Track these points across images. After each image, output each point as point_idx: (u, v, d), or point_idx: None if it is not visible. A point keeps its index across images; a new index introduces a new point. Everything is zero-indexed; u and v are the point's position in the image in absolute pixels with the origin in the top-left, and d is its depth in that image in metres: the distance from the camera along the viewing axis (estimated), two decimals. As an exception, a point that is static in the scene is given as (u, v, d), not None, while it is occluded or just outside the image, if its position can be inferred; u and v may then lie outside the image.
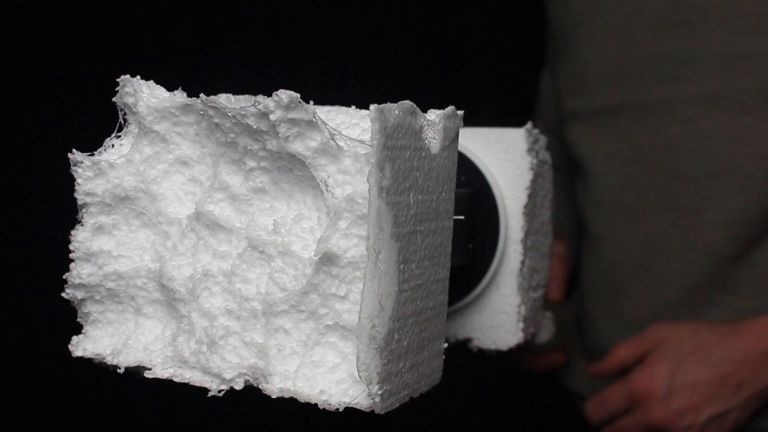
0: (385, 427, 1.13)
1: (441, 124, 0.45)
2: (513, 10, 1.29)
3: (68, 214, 0.48)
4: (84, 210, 0.47)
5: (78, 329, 0.48)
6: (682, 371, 0.70)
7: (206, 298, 0.46)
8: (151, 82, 0.47)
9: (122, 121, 0.48)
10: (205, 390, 0.45)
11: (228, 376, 0.44)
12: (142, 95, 0.46)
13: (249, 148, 0.44)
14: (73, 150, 0.47)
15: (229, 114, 0.43)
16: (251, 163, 0.45)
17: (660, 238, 0.81)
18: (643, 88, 0.83)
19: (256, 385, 0.44)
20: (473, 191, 0.60)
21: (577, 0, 0.90)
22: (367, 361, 0.40)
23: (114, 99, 0.47)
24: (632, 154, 0.84)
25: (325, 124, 0.42)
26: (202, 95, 0.44)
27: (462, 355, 0.61)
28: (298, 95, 0.41)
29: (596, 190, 0.88)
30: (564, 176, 0.98)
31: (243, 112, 0.42)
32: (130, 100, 0.46)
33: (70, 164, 0.47)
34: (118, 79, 0.47)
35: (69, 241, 0.47)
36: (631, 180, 0.84)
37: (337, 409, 0.42)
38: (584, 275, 0.92)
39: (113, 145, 0.48)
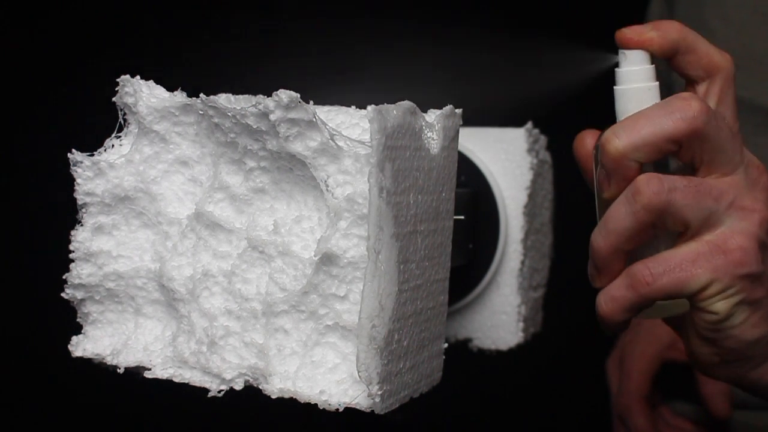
0: (385, 427, 1.13)
1: (440, 124, 0.45)
2: (513, 9, 1.29)
3: (68, 214, 0.48)
4: (84, 210, 0.47)
5: (78, 329, 0.48)
6: None
7: (206, 298, 0.46)
8: (151, 82, 0.47)
9: (122, 121, 0.48)
10: (205, 390, 0.45)
11: (228, 377, 0.44)
12: (142, 95, 0.46)
13: (249, 148, 0.44)
14: (73, 150, 0.47)
15: (229, 114, 0.43)
16: (251, 163, 0.45)
17: None
18: None
19: (256, 386, 0.44)
20: (473, 191, 0.60)
21: None
22: (367, 361, 0.40)
23: (114, 99, 0.47)
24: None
25: (325, 124, 0.42)
26: (202, 95, 0.44)
27: (462, 355, 0.61)
28: (298, 95, 0.41)
29: None
30: None
31: (243, 112, 0.42)
32: (130, 100, 0.46)
33: (70, 164, 0.47)
34: (118, 79, 0.47)
35: (69, 241, 0.47)
36: None
37: (337, 409, 0.42)
38: None
39: (113, 145, 0.48)
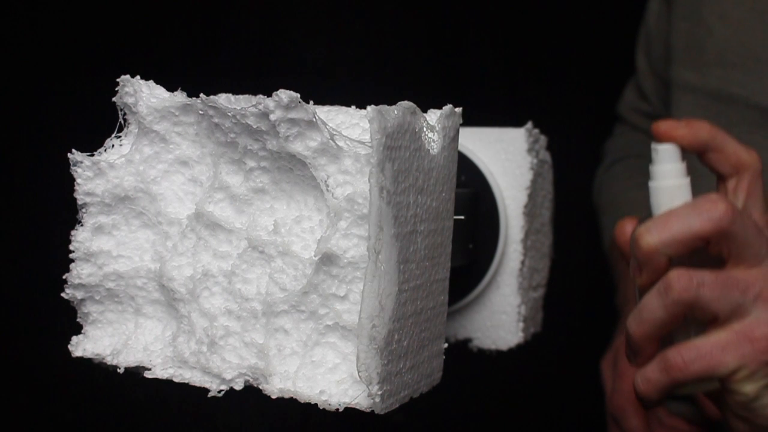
0: (385, 427, 1.13)
1: (440, 124, 0.45)
2: (513, 9, 1.29)
3: (68, 214, 0.48)
4: (84, 210, 0.47)
5: (78, 329, 0.48)
6: None
7: (206, 298, 0.46)
8: (151, 82, 0.47)
9: (122, 121, 0.48)
10: (205, 390, 0.45)
11: (228, 377, 0.44)
12: (142, 95, 0.46)
13: (249, 148, 0.44)
14: (73, 150, 0.47)
15: (229, 114, 0.43)
16: (251, 163, 0.45)
17: None
18: None
19: (256, 386, 0.44)
20: (473, 191, 0.60)
21: None
22: (367, 361, 0.40)
23: (114, 99, 0.47)
24: None
25: (325, 124, 0.42)
26: (202, 95, 0.44)
27: (462, 355, 0.61)
28: (298, 95, 0.41)
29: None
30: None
31: (243, 112, 0.42)
32: (130, 100, 0.46)
33: (70, 164, 0.47)
34: (118, 79, 0.47)
35: (69, 241, 0.47)
36: None
37: (337, 409, 0.42)
38: None
39: (113, 145, 0.48)
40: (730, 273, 0.47)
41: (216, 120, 0.44)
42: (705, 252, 0.48)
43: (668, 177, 0.50)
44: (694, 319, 0.49)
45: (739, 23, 0.75)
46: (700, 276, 0.46)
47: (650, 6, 0.92)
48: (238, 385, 0.44)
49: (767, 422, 0.48)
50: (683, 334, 0.50)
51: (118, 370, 0.48)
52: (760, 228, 0.48)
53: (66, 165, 0.47)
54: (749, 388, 0.47)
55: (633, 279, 0.50)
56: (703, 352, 0.47)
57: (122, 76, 0.46)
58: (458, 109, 0.47)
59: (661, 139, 0.50)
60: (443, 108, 0.46)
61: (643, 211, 0.51)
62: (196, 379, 0.46)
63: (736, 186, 0.52)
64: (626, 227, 0.54)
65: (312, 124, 0.41)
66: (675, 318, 0.47)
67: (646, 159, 0.50)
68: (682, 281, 0.46)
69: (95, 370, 0.50)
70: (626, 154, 0.97)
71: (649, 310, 0.48)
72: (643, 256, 0.47)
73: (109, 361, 0.47)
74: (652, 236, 0.47)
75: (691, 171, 0.50)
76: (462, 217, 0.57)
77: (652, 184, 0.50)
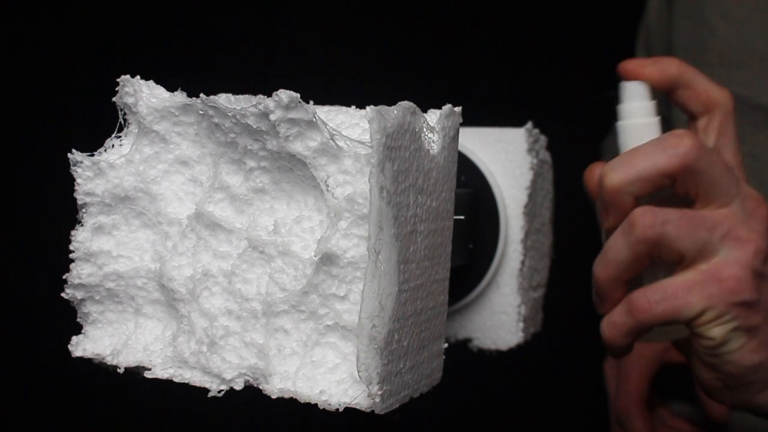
0: (385, 427, 1.13)
1: (440, 124, 0.45)
2: (513, 9, 1.29)
3: (68, 214, 0.48)
4: (84, 210, 0.47)
5: (78, 329, 0.48)
6: None
7: (206, 298, 0.46)
8: (151, 82, 0.47)
9: (122, 121, 0.48)
10: (205, 390, 0.45)
11: (228, 377, 0.44)
12: (142, 95, 0.46)
13: (249, 148, 0.44)
14: (73, 150, 0.47)
15: (229, 114, 0.43)
16: (251, 163, 0.45)
17: None
18: None
19: (256, 386, 0.44)
20: (473, 191, 0.60)
21: None
22: (367, 361, 0.40)
23: (114, 99, 0.47)
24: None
25: (325, 124, 0.42)
26: (202, 95, 0.44)
27: (462, 355, 0.61)
28: (298, 95, 0.41)
29: None
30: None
31: (243, 112, 0.42)
32: (130, 100, 0.46)
33: (70, 164, 0.47)
34: (118, 79, 0.47)
35: (69, 241, 0.47)
36: None
37: (337, 409, 0.42)
38: None
39: (113, 145, 0.48)
40: (698, 211, 0.45)
41: (216, 120, 0.44)
42: (674, 195, 0.47)
43: (636, 115, 0.48)
44: (662, 262, 0.47)
45: (741, 23, 0.74)
46: (665, 213, 0.44)
47: (650, 3, 0.92)
48: (238, 385, 0.44)
49: (734, 369, 0.46)
50: (651, 278, 0.48)
51: (118, 370, 0.48)
52: (730, 167, 0.46)
53: (66, 165, 0.47)
54: (716, 331, 0.45)
55: (600, 222, 0.49)
56: (669, 293, 0.45)
57: (122, 76, 0.46)
58: (458, 109, 0.47)
59: (628, 78, 0.49)
60: (443, 108, 0.46)
61: None
62: (196, 379, 0.46)
63: (707, 125, 0.50)
64: (595, 171, 0.52)
65: (312, 124, 0.41)
66: (640, 257, 0.45)
67: None
68: (647, 218, 0.44)
69: (95, 370, 0.50)
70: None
71: (613, 250, 0.46)
72: (609, 195, 0.46)
73: (109, 361, 0.47)
74: (617, 174, 0.45)
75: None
76: (462, 217, 0.57)
77: (619, 123, 0.49)
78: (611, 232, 0.47)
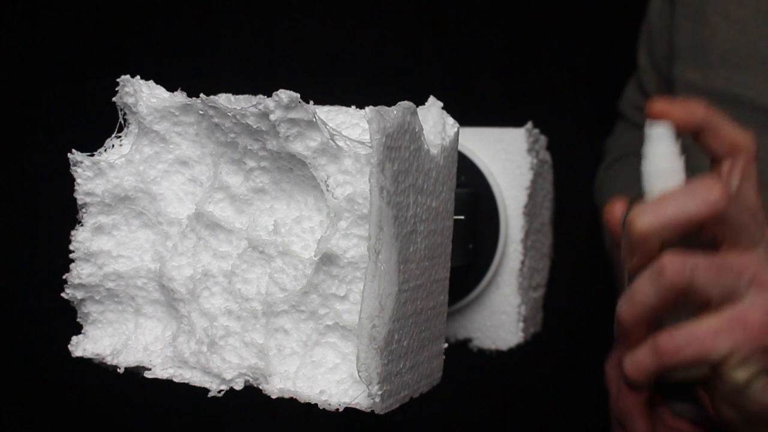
0: (385, 427, 1.13)
1: (440, 124, 0.45)
2: (513, 9, 1.29)
3: (68, 214, 0.48)
4: (84, 210, 0.47)
5: (78, 329, 0.48)
6: None
7: (206, 298, 0.46)
8: (151, 82, 0.47)
9: (122, 121, 0.48)
10: (205, 390, 0.45)
11: (228, 377, 0.44)
12: (142, 95, 0.46)
13: (249, 148, 0.44)
14: (73, 150, 0.47)
15: (229, 114, 0.43)
16: (251, 163, 0.45)
17: None
18: None
19: (256, 386, 0.44)
20: (473, 191, 0.60)
21: None
22: (367, 361, 0.40)
23: (114, 99, 0.47)
24: None
25: (325, 124, 0.42)
26: (202, 95, 0.44)
27: (462, 355, 0.61)
28: (298, 95, 0.41)
29: None
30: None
31: (243, 112, 0.42)
32: (130, 100, 0.46)
33: (70, 164, 0.47)
34: (118, 79, 0.47)
35: (69, 241, 0.47)
36: None
37: (337, 409, 0.42)
38: None
39: (113, 145, 0.48)
40: (724, 257, 0.46)
41: (216, 120, 0.44)
42: (698, 236, 0.47)
43: (662, 158, 0.49)
44: (685, 303, 0.48)
45: (744, 23, 0.74)
46: (693, 260, 0.45)
47: (652, 3, 0.91)
48: (238, 385, 0.44)
49: (757, 407, 0.47)
50: (673, 317, 0.49)
51: (118, 370, 0.48)
52: (754, 211, 0.47)
53: (66, 165, 0.47)
54: (741, 374, 0.46)
55: (623, 261, 0.49)
56: (695, 337, 0.46)
57: (122, 76, 0.46)
58: (451, 120, 0.47)
59: (655, 119, 0.49)
60: (443, 109, 0.46)
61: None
62: (196, 379, 0.46)
63: (731, 168, 0.50)
64: (616, 208, 0.53)
65: (312, 124, 0.41)
66: (667, 302, 0.46)
67: None
68: (676, 265, 0.45)
69: (95, 370, 0.50)
70: (627, 152, 0.97)
71: (640, 293, 0.47)
72: (637, 239, 0.46)
73: (109, 361, 0.47)
74: (647, 219, 0.46)
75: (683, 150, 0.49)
76: (462, 217, 0.57)
77: (645, 165, 0.49)
78: (635, 272, 0.47)
